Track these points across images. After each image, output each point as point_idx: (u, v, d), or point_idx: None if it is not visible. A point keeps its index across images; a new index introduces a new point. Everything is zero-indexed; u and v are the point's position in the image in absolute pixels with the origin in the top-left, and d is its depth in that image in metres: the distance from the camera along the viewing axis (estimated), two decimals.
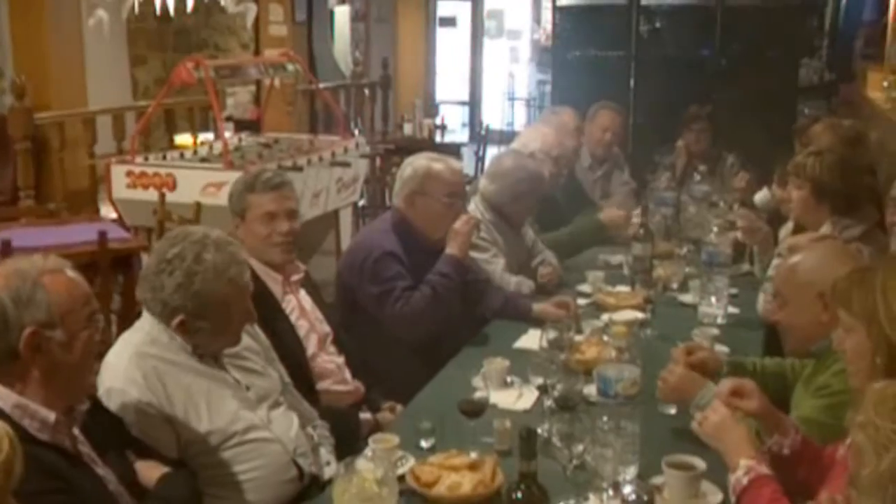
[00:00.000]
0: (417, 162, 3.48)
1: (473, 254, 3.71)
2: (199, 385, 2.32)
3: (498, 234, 3.85)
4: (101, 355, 2.08)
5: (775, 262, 3.56)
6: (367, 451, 2.33)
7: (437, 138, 9.82)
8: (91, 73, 7.21)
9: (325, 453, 2.60)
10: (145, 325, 2.37)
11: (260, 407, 2.43)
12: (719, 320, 3.43)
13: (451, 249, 3.36)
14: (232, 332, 2.40)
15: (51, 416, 1.88)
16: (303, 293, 3.12)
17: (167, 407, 2.26)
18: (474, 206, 3.82)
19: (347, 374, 3.10)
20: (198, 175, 5.38)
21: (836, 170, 3.30)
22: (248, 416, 2.37)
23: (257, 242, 2.94)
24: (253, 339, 2.56)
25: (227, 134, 6.59)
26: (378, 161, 7.69)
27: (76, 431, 1.99)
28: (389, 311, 3.24)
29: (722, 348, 3.12)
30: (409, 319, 3.23)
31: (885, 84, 6.34)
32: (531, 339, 3.15)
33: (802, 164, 3.39)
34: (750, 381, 2.24)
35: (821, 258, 2.42)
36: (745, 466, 1.98)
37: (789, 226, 3.74)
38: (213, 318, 2.32)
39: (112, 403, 2.24)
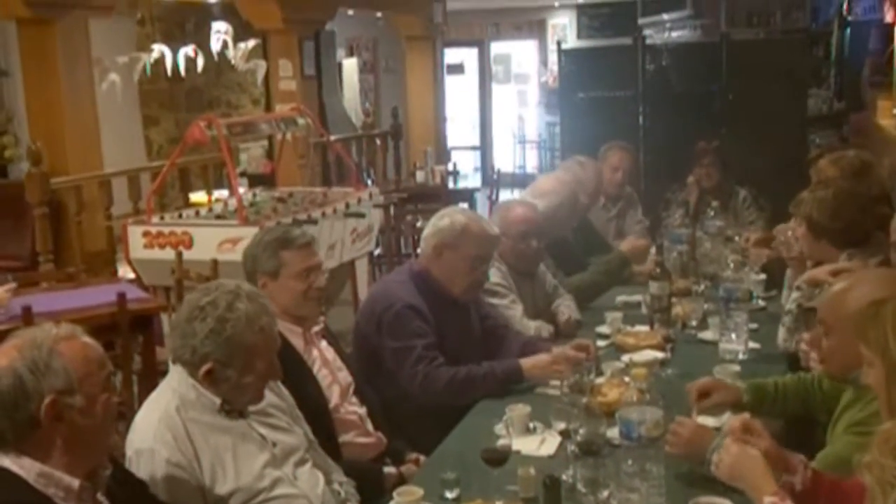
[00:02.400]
0: (457, 216, 3.43)
1: (492, 300, 3.72)
2: (225, 443, 2.32)
3: (511, 282, 3.84)
4: (120, 415, 2.07)
5: (794, 294, 3.54)
6: None
7: (450, 184, 9.87)
8: (105, 136, 7.30)
9: None
10: (172, 383, 2.37)
11: (286, 463, 2.43)
12: (741, 356, 3.40)
13: (528, 366, 3.21)
14: (257, 385, 2.39)
15: (74, 482, 1.88)
16: (324, 344, 3.12)
17: (196, 467, 2.26)
18: None
19: (370, 426, 3.09)
20: (214, 232, 5.42)
21: (826, 206, 3.25)
22: (275, 473, 2.37)
23: (292, 298, 2.95)
24: (278, 397, 2.57)
25: (242, 190, 6.65)
26: (392, 210, 7.73)
27: (101, 497, 1.98)
28: (408, 371, 3.17)
29: (728, 385, 3.09)
30: (425, 385, 3.15)
31: (895, 111, 6.35)
32: (552, 384, 3.14)
33: (797, 203, 3.37)
34: (754, 421, 2.21)
35: (871, 289, 2.27)
36: None
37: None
38: (240, 368, 2.32)
39: (142, 464, 2.23)
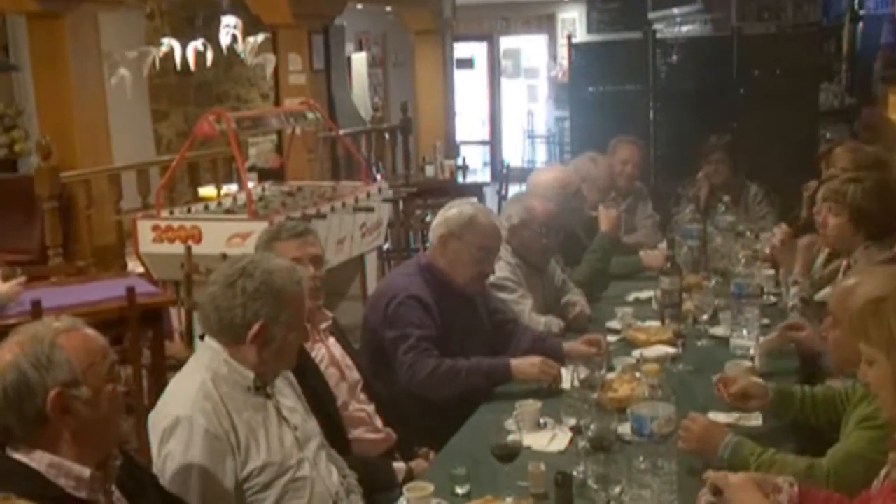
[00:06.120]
0: (465, 207, 3.46)
1: (502, 295, 3.70)
2: (257, 419, 2.35)
3: (522, 277, 3.82)
4: (129, 409, 2.06)
5: (793, 290, 3.54)
6: (402, 501, 2.31)
7: (459, 179, 9.85)
8: (115, 130, 7.31)
9: (357, 502, 2.59)
10: (203, 360, 2.38)
11: (307, 447, 2.45)
12: (752, 351, 3.38)
13: (516, 364, 3.18)
14: (295, 346, 2.43)
15: (85, 472, 1.88)
16: (332, 341, 3.11)
17: (232, 439, 2.27)
18: (502, 250, 3.77)
19: (378, 422, 3.08)
20: (223, 226, 5.42)
21: (874, 195, 3.23)
22: (300, 454, 2.40)
23: None
24: (290, 384, 2.58)
25: (251, 184, 6.64)
26: (401, 204, 7.72)
27: (112, 487, 1.98)
28: (399, 359, 3.16)
29: (756, 380, 3.08)
30: (410, 374, 3.13)
31: None
32: (563, 379, 3.12)
33: (842, 192, 3.30)
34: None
35: (877, 285, 2.20)
36: None
37: (823, 255, 3.69)
38: (286, 322, 2.34)
39: (178, 432, 2.23)
